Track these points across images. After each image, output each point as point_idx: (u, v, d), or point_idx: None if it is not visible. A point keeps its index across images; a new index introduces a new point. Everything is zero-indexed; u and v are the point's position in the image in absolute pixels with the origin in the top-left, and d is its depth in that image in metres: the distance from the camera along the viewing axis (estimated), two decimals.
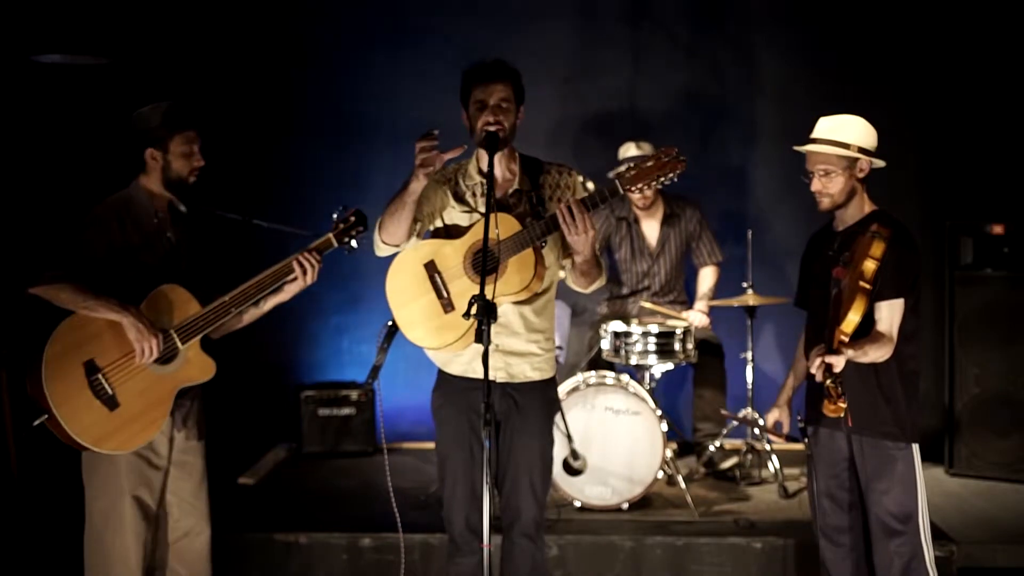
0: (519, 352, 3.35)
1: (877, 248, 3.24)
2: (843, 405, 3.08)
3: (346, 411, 5.96)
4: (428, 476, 5.26)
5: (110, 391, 3.23)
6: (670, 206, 5.56)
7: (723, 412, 5.21)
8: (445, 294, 3.29)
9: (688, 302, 5.65)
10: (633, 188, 3.16)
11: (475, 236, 3.27)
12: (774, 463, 5.23)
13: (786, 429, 3.68)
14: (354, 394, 5.96)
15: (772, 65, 6.24)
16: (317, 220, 3.47)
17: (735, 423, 5.40)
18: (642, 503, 4.85)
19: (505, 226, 3.20)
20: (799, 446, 3.88)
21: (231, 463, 5.45)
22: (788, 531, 4.51)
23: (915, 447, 3.44)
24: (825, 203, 3.46)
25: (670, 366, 5.13)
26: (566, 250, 3.32)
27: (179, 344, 3.32)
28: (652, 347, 5.03)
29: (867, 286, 3.22)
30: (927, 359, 4.15)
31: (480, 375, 2.86)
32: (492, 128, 3.21)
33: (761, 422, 4.87)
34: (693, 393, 5.55)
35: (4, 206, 5.00)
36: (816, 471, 3.55)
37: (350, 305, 6.25)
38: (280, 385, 6.17)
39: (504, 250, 3.19)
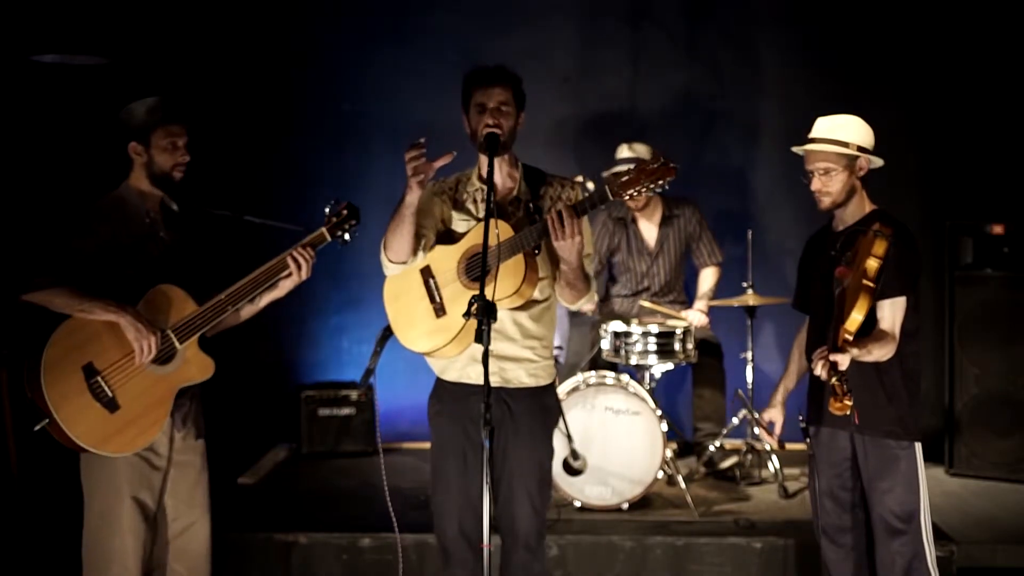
0: (513, 357, 3.31)
1: (880, 247, 3.24)
2: (849, 403, 3.07)
3: (346, 411, 5.96)
4: (427, 476, 5.21)
5: (110, 393, 3.21)
6: (668, 207, 5.56)
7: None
8: (437, 298, 3.28)
9: (688, 302, 5.65)
10: (623, 194, 3.14)
11: (470, 241, 3.26)
12: (774, 463, 5.24)
13: (778, 430, 3.67)
14: (354, 394, 5.96)
15: (772, 65, 6.24)
16: (317, 220, 3.46)
17: (735, 421, 5.41)
18: (642, 503, 4.85)
19: (500, 232, 3.17)
20: (800, 446, 3.88)
21: (231, 463, 5.45)
22: (788, 531, 4.51)
23: (918, 446, 3.44)
24: (825, 202, 3.45)
25: (670, 366, 5.13)
26: (554, 260, 3.27)
27: (177, 344, 3.30)
28: (652, 347, 5.03)
29: (870, 284, 3.22)
30: (927, 359, 4.14)
31: (474, 380, 2.84)
32: (492, 129, 3.19)
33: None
34: (693, 393, 5.55)
35: (4, 206, 4.99)
36: (818, 471, 3.54)
37: (350, 305, 6.25)
38: (280, 385, 6.17)
39: (496, 255, 3.16)
